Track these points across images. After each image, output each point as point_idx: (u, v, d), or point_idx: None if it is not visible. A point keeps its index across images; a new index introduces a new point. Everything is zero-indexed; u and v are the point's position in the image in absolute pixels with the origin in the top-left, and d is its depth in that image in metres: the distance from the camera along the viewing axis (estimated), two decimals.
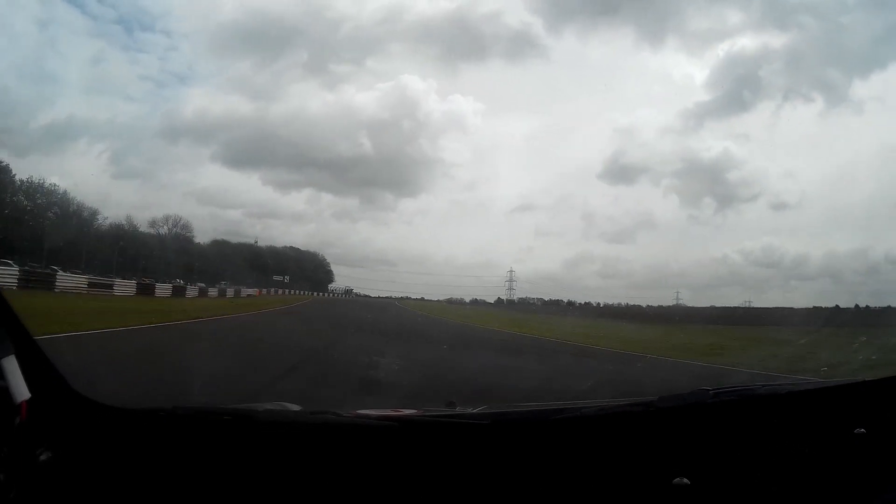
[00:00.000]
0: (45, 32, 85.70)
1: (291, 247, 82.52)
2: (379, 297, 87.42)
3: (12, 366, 1.12)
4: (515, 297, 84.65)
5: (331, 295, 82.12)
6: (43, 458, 1.17)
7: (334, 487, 1.27)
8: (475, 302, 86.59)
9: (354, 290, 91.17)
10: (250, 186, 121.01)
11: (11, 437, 1.11)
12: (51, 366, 1.27)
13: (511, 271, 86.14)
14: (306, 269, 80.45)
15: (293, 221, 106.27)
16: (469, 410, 1.71)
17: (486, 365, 10.83)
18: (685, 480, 1.29)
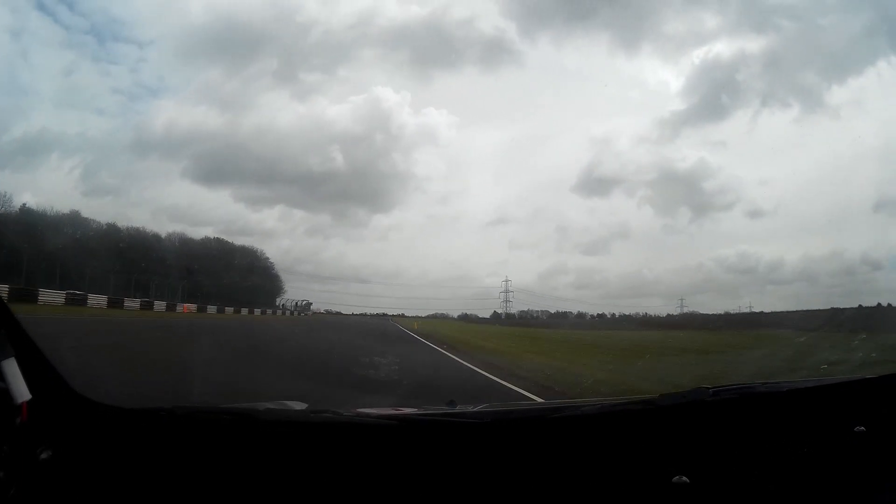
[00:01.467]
0: (17, 43, 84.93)
1: (217, 238, 58.89)
2: (353, 314, 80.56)
3: (13, 368, 1.12)
4: (515, 311, 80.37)
5: (279, 312, 58.56)
6: (43, 456, 1.17)
7: (335, 486, 1.27)
8: (465, 317, 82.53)
9: (320, 308, 74.55)
10: (221, 203, 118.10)
11: (12, 437, 1.12)
12: (51, 367, 1.28)
13: (507, 281, 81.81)
14: (236, 272, 54.13)
15: (265, 238, 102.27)
16: (469, 409, 1.71)
17: None
18: (684, 479, 1.29)
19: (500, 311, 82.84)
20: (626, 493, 1.31)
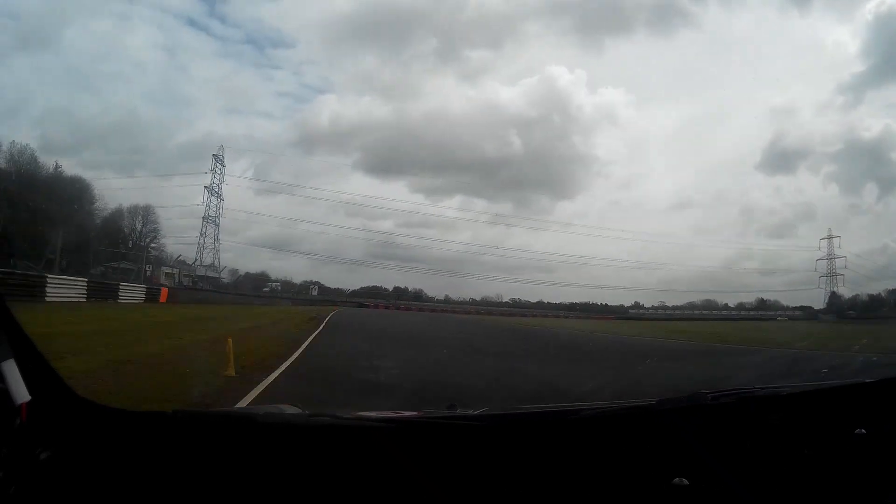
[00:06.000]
0: (173, 58, 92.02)
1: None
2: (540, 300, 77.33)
3: (12, 369, 1.13)
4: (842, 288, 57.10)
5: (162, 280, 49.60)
6: (42, 457, 1.18)
7: (334, 489, 1.28)
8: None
9: (503, 296, 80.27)
10: (398, 195, 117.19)
11: (11, 438, 1.12)
12: (50, 369, 1.28)
13: (831, 237, 60.01)
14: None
15: (447, 230, 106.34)
16: (469, 412, 1.71)
17: None
18: (684, 481, 1.29)
19: (827, 289, 61.05)
20: (627, 495, 1.31)
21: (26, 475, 1.14)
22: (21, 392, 1.12)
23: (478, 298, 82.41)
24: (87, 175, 61.17)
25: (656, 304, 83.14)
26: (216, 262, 70.77)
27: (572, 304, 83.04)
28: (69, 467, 1.22)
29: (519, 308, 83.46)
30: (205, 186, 70.95)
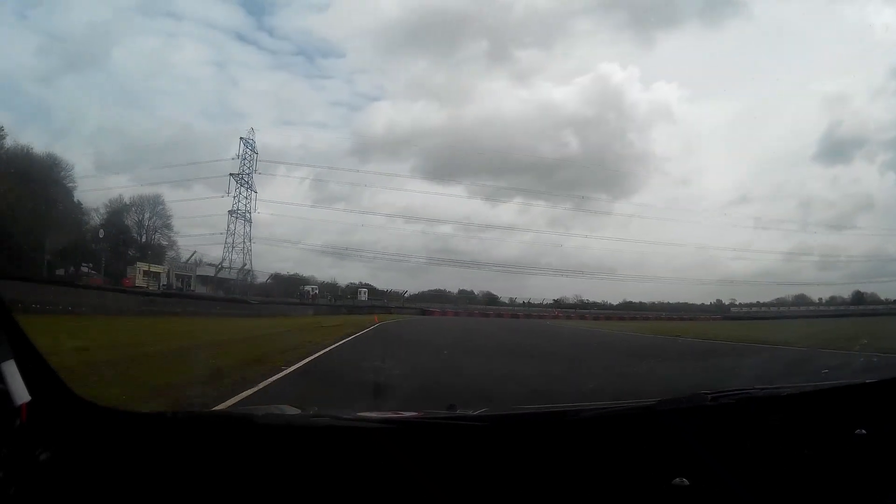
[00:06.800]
0: (223, 73, 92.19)
1: None
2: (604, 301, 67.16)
3: (12, 370, 1.13)
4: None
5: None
6: (42, 458, 1.18)
7: (335, 490, 1.27)
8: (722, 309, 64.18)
9: (568, 297, 70.49)
10: (456, 199, 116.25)
11: (11, 439, 1.12)
12: (50, 369, 1.28)
13: None
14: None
15: (507, 232, 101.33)
16: (469, 413, 1.71)
17: None
18: (685, 481, 1.29)
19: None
20: (627, 495, 1.31)
21: (26, 476, 1.14)
22: (21, 393, 1.12)
23: (552, 299, 73.79)
24: (142, 191, 57.74)
25: (749, 302, 74.96)
26: (247, 263, 60.39)
27: (663, 303, 75.23)
28: (69, 468, 1.22)
29: (619, 311, 72.65)
30: (230, 174, 59.70)
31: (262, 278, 61.94)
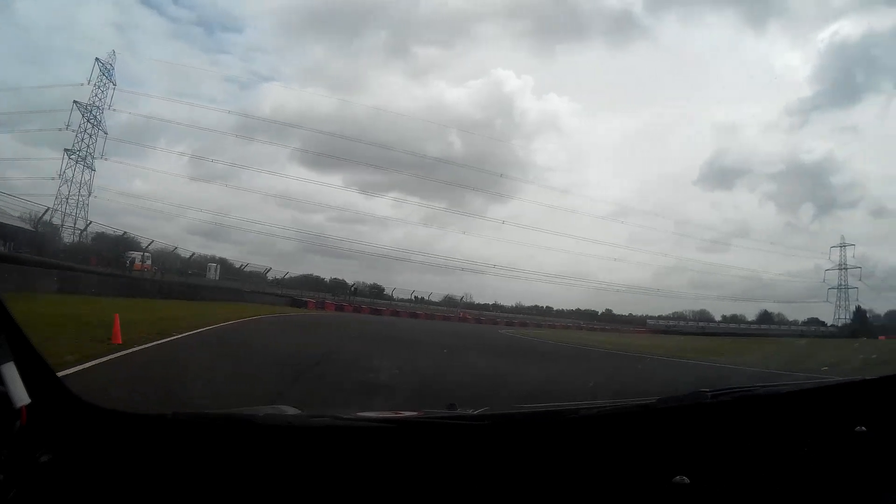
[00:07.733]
0: (123, 36, 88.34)
1: None
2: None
3: (11, 372, 1.12)
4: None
5: None
6: (43, 460, 1.17)
7: (335, 490, 1.27)
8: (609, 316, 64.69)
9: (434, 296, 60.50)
10: (335, 188, 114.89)
11: (11, 441, 1.12)
12: (50, 371, 1.28)
13: (844, 245, 55.33)
14: None
15: (380, 226, 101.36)
16: (469, 412, 1.71)
17: None
18: (685, 479, 1.29)
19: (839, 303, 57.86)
20: (627, 493, 1.32)
21: (26, 478, 1.14)
22: (21, 395, 1.12)
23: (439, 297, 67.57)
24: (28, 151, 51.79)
25: (651, 314, 75.50)
26: (79, 220, 45.90)
27: (543, 306, 74.40)
28: (69, 470, 1.22)
29: (506, 313, 68.07)
30: (75, 102, 47.61)
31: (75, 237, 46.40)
